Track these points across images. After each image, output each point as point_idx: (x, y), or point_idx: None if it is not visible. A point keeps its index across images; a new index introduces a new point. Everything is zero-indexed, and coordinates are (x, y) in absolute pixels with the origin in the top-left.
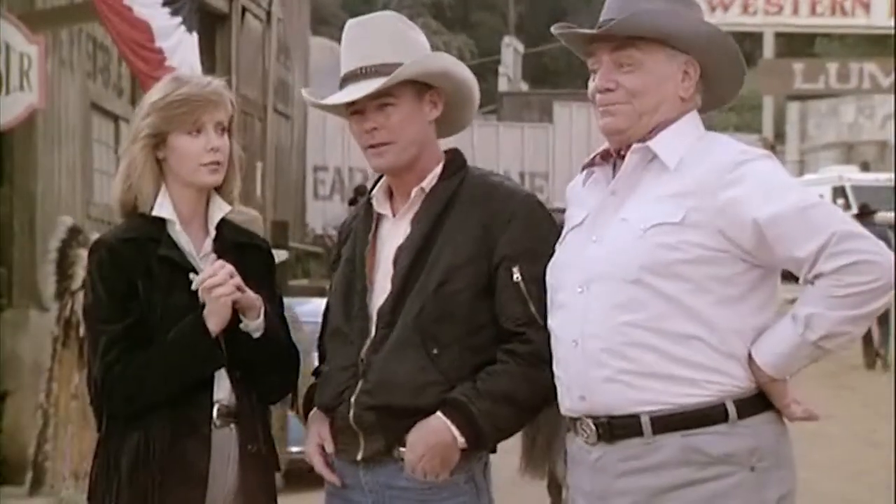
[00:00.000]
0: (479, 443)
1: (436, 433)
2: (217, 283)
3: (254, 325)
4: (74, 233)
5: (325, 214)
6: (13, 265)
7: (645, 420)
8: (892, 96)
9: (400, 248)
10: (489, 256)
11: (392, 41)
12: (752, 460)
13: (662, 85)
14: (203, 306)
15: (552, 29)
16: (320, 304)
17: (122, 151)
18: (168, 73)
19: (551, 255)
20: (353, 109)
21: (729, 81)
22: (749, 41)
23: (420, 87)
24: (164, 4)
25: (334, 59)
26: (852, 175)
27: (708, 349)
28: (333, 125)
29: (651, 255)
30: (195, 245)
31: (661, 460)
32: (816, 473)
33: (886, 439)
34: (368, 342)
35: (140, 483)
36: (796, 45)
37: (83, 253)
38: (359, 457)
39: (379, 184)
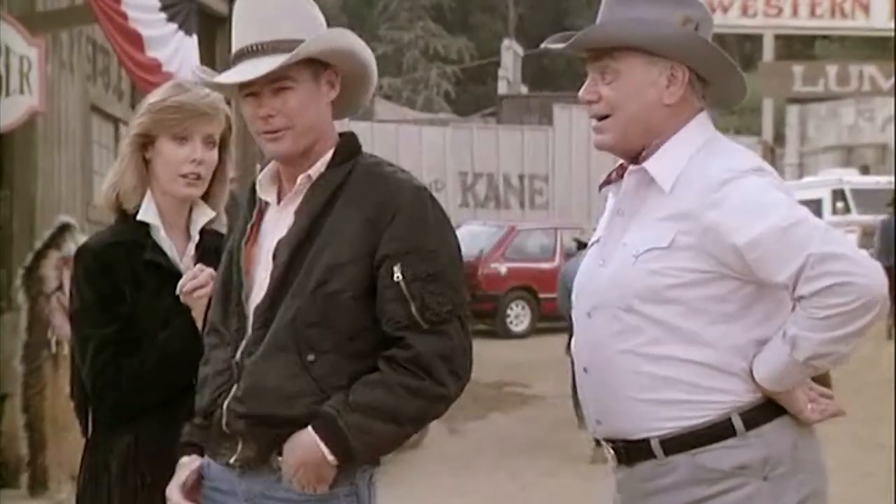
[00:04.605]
0: (350, 458)
1: (305, 449)
2: (199, 285)
3: None
4: (57, 236)
5: None
6: (13, 268)
7: (655, 444)
8: (892, 99)
9: (280, 242)
10: (372, 255)
11: (290, 15)
12: (765, 470)
13: (643, 93)
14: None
15: (542, 46)
16: None
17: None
18: (166, 79)
19: (438, 252)
20: (248, 91)
21: (726, 82)
22: (748, 43)
23: (317, 66)
24: (162, 10)
25: None
26: (852, 178)
27: (706, 369)
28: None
29: (642, 282)
30: (178, 250)
31: (676, 480)
32: None
33: (889, 442)
34: (244, 344)
35: (130, 484)
36: (796, 47)
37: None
38: (231, 460)
39: (266, 168)
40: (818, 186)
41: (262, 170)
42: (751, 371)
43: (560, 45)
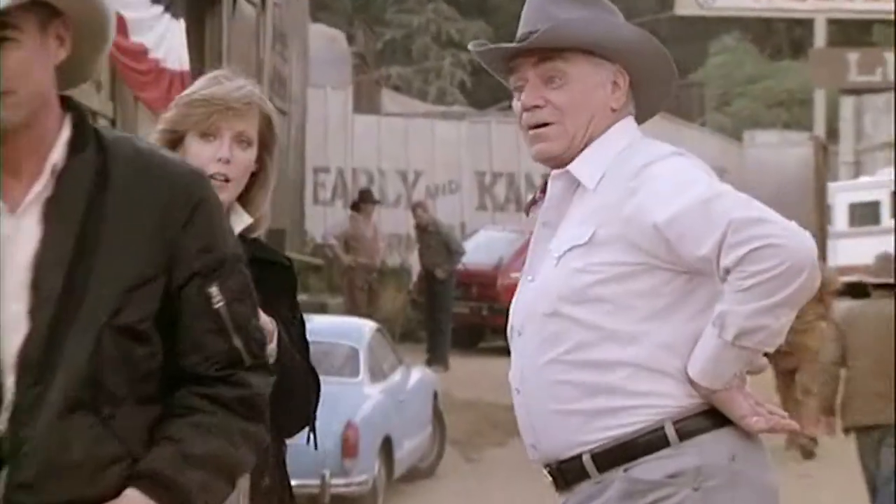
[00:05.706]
0: None
1: None
2: None
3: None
4: None
5: (326, 221)
6: None
7: (587, 459)
8: None
9: (40, 262)
10: (168, 269)
11: None
12: (697, 479)
13: (591, 97)
14: None
15: (469, 47)
16: (319, 321)
17: None
18: (153, 65)
19: (237, 258)
20: None
21: (657, 91)
22: (799, 28)
23: (44, 14)
24: None
25: (335, 48)
26: None
27: (637, 371)
28: (336, 121)
29: (565, 282)
30: None
31: (610, 496)
32: (818, 487)
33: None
34: (7, 408)
35: None
36: (851, 32)
37: None
38: None
39: None
40: (875, 187)
41: None
42: (686, 371)
43: (512, 45)
